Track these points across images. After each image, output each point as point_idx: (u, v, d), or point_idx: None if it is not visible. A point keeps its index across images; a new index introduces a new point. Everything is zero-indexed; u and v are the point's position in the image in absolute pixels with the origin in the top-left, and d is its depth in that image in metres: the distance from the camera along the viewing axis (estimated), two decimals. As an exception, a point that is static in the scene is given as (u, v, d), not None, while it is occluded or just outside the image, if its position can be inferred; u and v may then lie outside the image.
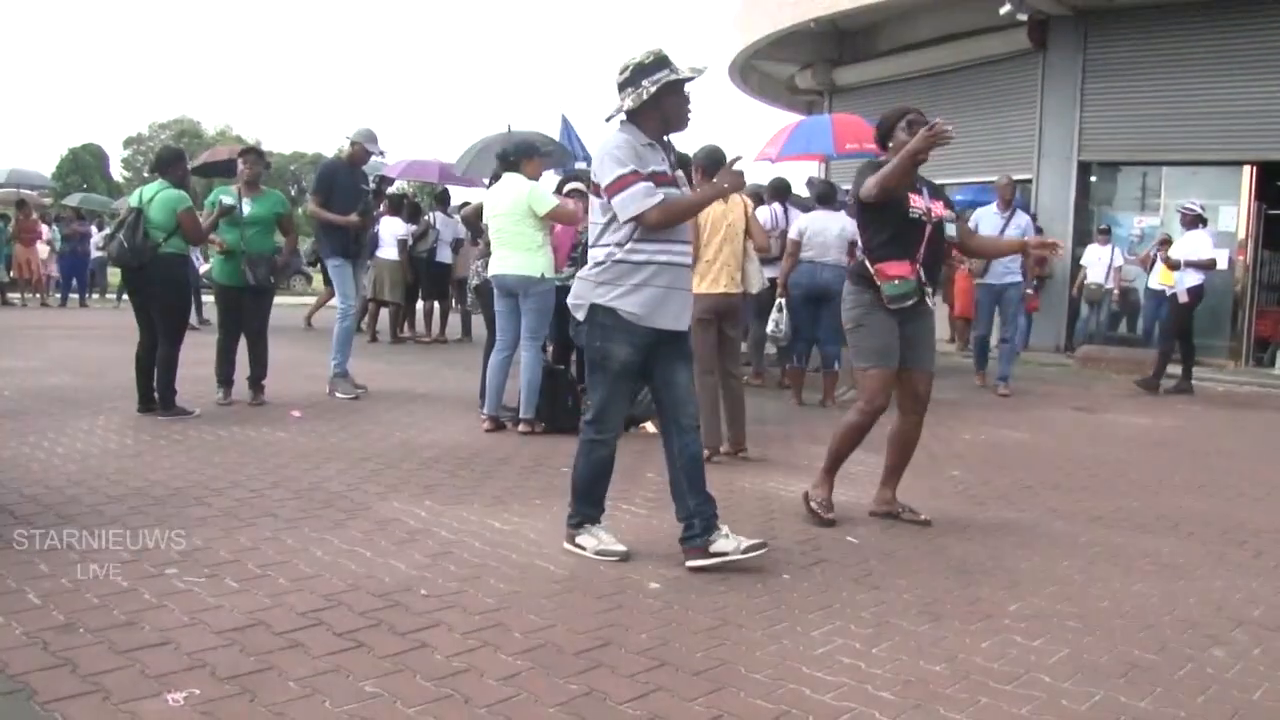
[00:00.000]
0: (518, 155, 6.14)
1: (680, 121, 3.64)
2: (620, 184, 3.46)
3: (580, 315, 3.64)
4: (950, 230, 4.35)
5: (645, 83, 3.50)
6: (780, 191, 8.94)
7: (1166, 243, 10.39)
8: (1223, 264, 11.42)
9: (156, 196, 6.11)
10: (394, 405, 6.98)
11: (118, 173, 52.90)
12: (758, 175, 10.68)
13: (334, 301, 8.01)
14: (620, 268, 3.53)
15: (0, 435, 5.40)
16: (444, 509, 4.25)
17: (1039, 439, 6.91)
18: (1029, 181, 13.14)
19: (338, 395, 7.17)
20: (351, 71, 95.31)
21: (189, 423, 5.98)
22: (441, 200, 13.13)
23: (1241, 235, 12.13)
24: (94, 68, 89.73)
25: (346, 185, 7.33)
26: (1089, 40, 12.81)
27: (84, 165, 48.21)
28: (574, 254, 6.76)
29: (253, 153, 7.15)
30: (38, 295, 16.94)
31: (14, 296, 16.65)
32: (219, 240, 6.65)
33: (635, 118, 3.57)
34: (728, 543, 3.55)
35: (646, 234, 3.51)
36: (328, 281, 9.72)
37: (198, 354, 7.15)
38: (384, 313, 12.20)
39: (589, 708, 2.47)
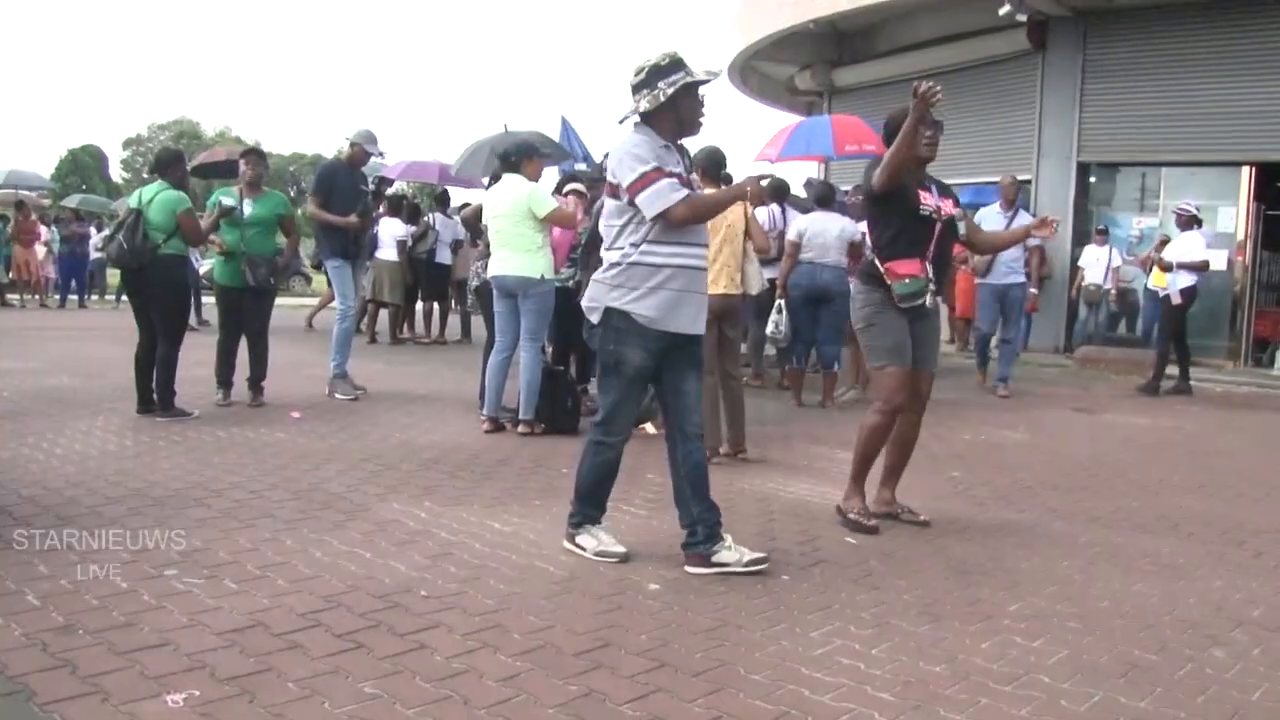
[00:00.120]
0: (519, 155, 6.13)
1: (694, 125, 3.62)
2: (644, 181, 3.43)
3: (595, 318, 3.62)
4: (960, 229, 4.35)
5: (662, 85, 3.47)
6: (778, 192, 8.95)
7: (1166, 243, 10.40)
8: (1218, 265, 11.44)
9: (156, 198, 6.11)
10: (393, 406, 6.98)
11: (117, 174, 52.90)
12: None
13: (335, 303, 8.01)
14: (636, 270, 3.50)
15: (-1, 436, 5.40)
16: (443, 510, 4.25)
17: (1039, 439, 6.91)
18: (1028, 182, 13.14)
19: (337, 396, 7.16)
20: (351, 72, 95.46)
21: (188, 424, 5.98)
22: (441, 201, 13.13)
23: (1241, 236, 12.14)
24: (93, 69, 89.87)
25: (346, 186, 7.33)
26: (1088, 41, 12.82)
27: (83, 166, 48.22)
28: (573, 255, 6.77)
29: (255, 154, 7.15)
30: (37, 296, 16.95)
31: (13, 298, 16.65)
32: (219, 241, 6.65)
33: (650, 120, 3.55)
34: (730, 555, 3.54)
35: (663, 236, 3.48)
36: (330, 283, 9.72)
37: (197, 355, 7.15)
38: (383, 314, 12.20)
39: (588, 709, 2.47)
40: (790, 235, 7.72)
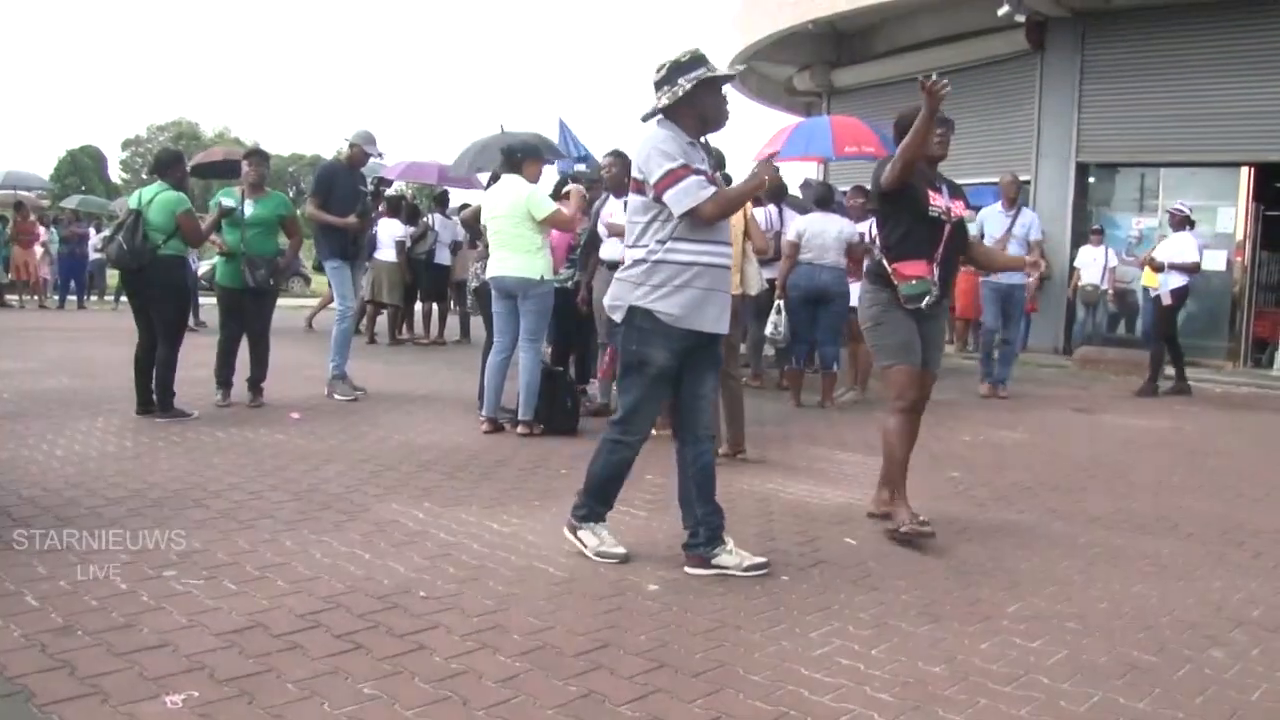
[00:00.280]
0: (525, 154, 6.12)
1: (719, 120, 3.61)
2: (671, 178, 3.41)
3: (618, 317, 3.59)
4: (970, 230, 4.34)
5: (682, 80, 3.47)
6: (776, 193, 8.94)
7: None
8: (1216, 265, 11.43)
9: (155, 198, 6.11)
10: (392, 407, 6.98)
11: (116, 175, 52.86)
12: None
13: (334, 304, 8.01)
14: (662, 268, 3.48)
15: (-2, 437, 5.40)
16: (442, 511, 4.25)
17: (1038, 440, 6.91)
18: (1027, 183, 13.13)
19: (336, 397, 7.16)
20: (350, 73, 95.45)
21: (187, 424, 5.97)
22: (440, 202, 13.13)
23: (1240, 236, 12.13)
24: (92, 70, 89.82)
25: (345, 187, 7.33)
26: (1087, 41, 12.81)
27: (82, 167, 48.15)
28: (572, 255, 6.77)
29: (257, 154, 7.15)
30: (36, 297, 16.94)
31: (12, 298, 16.64)
32: (220, 241, 6.65)
33: (673, 115, 3.53)
34: (730, 558, 3.54)
35: (689, 233, 3.47)
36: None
37: (196, 355, 7.15)
38: (382, 315, 12.19)
39: (588, 709, 2.47)
40: (789, 236, 7.72)
